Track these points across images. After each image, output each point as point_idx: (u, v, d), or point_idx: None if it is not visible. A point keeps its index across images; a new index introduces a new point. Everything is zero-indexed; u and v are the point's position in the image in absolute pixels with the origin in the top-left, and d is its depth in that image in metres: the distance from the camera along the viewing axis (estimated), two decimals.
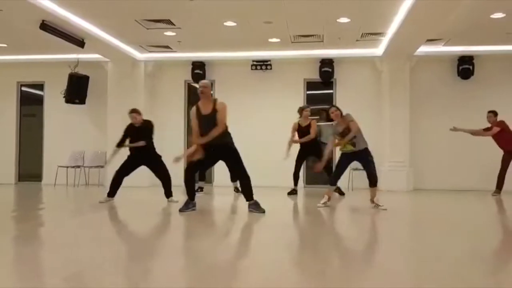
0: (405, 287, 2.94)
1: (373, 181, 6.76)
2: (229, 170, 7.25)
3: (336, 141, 7.00)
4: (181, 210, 6.30)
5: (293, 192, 9.02)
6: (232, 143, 6.30)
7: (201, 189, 9.11)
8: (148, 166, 7.62)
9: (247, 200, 6.30)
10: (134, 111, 7.49)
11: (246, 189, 6.30)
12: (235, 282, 3.09)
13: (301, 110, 8.97)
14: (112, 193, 7.48)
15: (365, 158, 6.85)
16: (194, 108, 6.31)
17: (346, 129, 6.77)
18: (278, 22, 8.45)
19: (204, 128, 6.13)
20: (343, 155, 6.98)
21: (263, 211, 6.13)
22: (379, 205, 6.66)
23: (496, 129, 8.89)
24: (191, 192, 6.43)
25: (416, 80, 10.71)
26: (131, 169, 7.52)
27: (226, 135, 6.23)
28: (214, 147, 6.16)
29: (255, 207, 6.21)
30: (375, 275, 3.23)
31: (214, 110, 6.10)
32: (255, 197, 6.28)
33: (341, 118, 6.87)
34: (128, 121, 7.51)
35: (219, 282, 3.04)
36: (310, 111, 9.06)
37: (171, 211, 6.67)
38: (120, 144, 7.51)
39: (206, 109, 6.15)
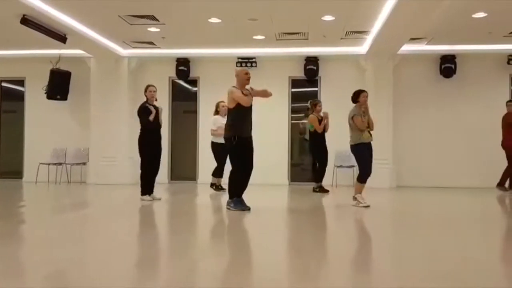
0: (390, 286, 2.96)
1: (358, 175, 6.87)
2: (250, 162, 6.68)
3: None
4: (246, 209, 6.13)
5: (324, 190, 8.93)
6: (231, 137, 6.15)
7: (221, 187, 8.91)
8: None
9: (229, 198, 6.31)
10: (153, 85, 7.33)
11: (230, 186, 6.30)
12: (221, 283, 3.07)
13: (314, 105, 8.94)
14: (151, 189, 7.35)
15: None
16: (242, 91, 6.21)
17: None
18: (263, 19, 8.44)
19: (248, 114, 6.22)
20: (364, 145, 6.80)
21: (244, 209, 6.13)
22: (360, 202, 6.71)
23: None
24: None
25: (400, 78, 10.80)
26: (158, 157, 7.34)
27: (227, 128, 6.24)
28: (250, 137, 6.32)
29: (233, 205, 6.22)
30: (360, 275, 3.24)
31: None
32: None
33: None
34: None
35: (202, 282, 3.03)
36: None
37: (154, 209, 6.63)
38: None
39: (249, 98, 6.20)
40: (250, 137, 6.24)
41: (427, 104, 10.84)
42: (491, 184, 9.24)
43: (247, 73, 6.26)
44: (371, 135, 6.83)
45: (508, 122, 9.03)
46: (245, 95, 6.12)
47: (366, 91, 7.00)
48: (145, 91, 7.34)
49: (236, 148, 6.11)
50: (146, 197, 7.22)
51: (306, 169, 11.44)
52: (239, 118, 6.09)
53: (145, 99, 7.32)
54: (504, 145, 9.10)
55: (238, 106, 6.06)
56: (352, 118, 6.77)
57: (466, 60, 10.65)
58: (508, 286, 3.00)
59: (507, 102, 9.32)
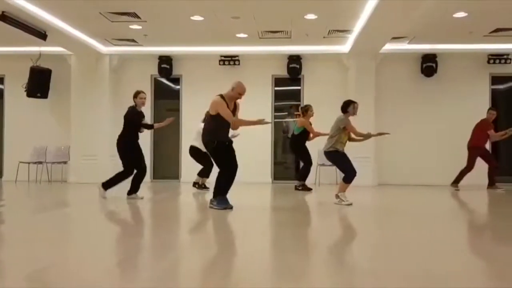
0: (371, 286, 2.98)
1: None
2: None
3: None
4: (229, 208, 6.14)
5: (307, 188, 8.96)
6: (211, 141, 6.21)
7: (204, 186, 8.91)
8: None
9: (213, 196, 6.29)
10: (143, 91, 7.31)
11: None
12: (208, 282, 3.06)
13: (306, 110, 8.93)
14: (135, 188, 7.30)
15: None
16: (225, 102, 6.17)
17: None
18: (245, 17, 8.42)
19: (226, 121, 6.19)
20: (343, 152, 6.89)
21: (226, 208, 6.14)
22: (342, 200, 6.74)
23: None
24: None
25: (382, 77, 10.89)
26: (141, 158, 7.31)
27: (206, 133, 6.27)
28: (230, 141, 6.40)
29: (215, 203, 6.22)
30: (344, 273, 3.26)
31: (234, 109, 6.31)
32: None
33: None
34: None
35: (190, 283, 3.01)
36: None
37: (137, 208, 6.58)
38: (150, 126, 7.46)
39: (231, 106, 6.21)
40: (229, 142, 6.30)
41: (408, 103, 10.95)
42: (472, 182, 9.36)
43: (241, 94, 6.20)
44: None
45: (481, 128, 9.18)
46: (229, 108, 6.14)
47: (357, 102, 6.99)
48: (135, 96, 7.22)
49: (219, 151, 6.16)
50: (104, 192, 7.19)
51: (289, 167, 11.49)
52: (218, 125, 6.14)
53: (133, 103, 7.23)
54: (469, 146, 9.26)
55: (220, 115, 6.08)
56: (344, 127, 6.77)
57: (447, 59, 10.79)
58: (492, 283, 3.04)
59: (488, 109, 9.44)
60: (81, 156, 10.84)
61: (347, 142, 6.92)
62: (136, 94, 7.23)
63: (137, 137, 7.28)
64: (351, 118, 6.90)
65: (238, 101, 6.35)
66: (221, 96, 6.13)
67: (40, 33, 8.72)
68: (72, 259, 3.58)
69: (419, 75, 10.92)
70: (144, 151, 7.43)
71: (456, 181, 9.23)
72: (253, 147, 10.49)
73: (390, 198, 8.57)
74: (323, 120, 10.05)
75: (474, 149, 9.18)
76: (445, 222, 5.65)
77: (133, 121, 7.15)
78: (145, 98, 7.26)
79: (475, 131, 9.25)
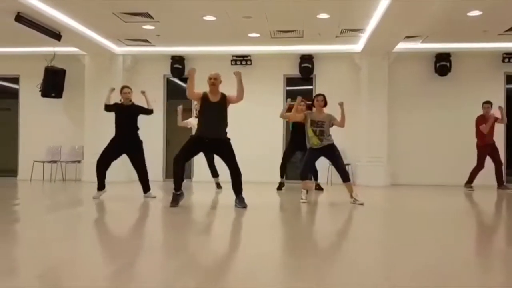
0: (383, 286, 2.97)
1: (344, 176, 6.80)
2: (227, 165, 6.76)
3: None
4: (172, 206, 6.17)
5: (280, 187, 8.92)
6: (229, 138, 6.30)
7: (218, 185, 8.95)
8: (128, 155, 7.36)
9: (237, 195, 6.31)
10: (127, 86, 7.40)
11: (237, 185, 6.31)
12: (216, 281, 3.08)
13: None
14: (101, 186, 7.31)
15: (332, 154, 6.88)
16: (202, 93, 6.36)
17: (321, 122, 6.82)
18: (258, 17, 8.43)
19: (209, 115, 6.22)
20: (310, 150, 6.96)
21: (245, 206, 6.18)
22: (357, 200, 6.70)
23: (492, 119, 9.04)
24: (179, 182, 6.25)
25: (394, 76, 10.82)
26: (112, 157, 7.28)
27: (224, 129, 6.31)
28: (210, 139, 6.20)
29: (239, 201, 6.24)
30: (352, 272, 3.25)
31: (223, 98, 6.31)
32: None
33: (323, 108, 6.96)
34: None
35: (198, 280, 3.03)
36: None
37: (150, 207, 6.62)
38: (109, 107, 7.40)
39: (214, 98, 6.28)
40: (208, 138, 6.23)
41: (422, 102, 10.87)
42: (486, 182, 9.26)
43: (210, 78, 6.42)
44: (320, 140, 6.92)
45: (477, 125, 9.14)
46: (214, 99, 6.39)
47: (322, 95, 7.13)
48: (120, 92, 7.39)
49: (188, 141, 6.41)
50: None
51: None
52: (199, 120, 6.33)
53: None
54: (476, 144, 9.21)
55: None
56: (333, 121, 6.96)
57: (461, 58, 10.68)
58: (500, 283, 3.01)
59: (483, 103, 9.24)
60: (94, 155, 10.84)
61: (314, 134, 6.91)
62: (120, 90, 7.37)
63: (118, 133, 7.25)
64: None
65: (230, 94, 6.44)
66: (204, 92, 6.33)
67: (54, 34, 8.83)
68: (85, 258, 3.61)
69: (433, 75, 10.83)
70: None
71: (469, 181, 9.14)
72: (264, 147, 10.50)
73: (402, 198, 8.51)
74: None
75: (479, 147, 9.13)
76: (454, 223, 5.60)
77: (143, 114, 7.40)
78: (129, 93, 7.31)
79: (476, 129, 9.19)
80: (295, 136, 8.49)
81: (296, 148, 8.58)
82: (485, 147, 9.08)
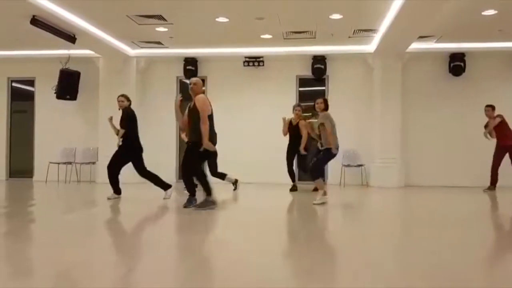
0: (397, 286, 2.95)
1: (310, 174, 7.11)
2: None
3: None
4: (212, 208, 6.29)
5: (293, 189, 9.04)
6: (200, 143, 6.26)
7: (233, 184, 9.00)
8: (131, 161, 7.46)
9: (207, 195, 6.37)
10: (122, 95, 7.54)
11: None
12: (223, 281, 3.09)
13: (293, 108, 9.03)
14: (116, 190, 7.44)
15: (318, 154, 7.09)
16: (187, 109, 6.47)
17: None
18: (270, 18, 8.44)
19: (191, 121, 6.32)
20: (326, 150, 7.01)
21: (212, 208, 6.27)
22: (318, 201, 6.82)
23: (497, 120, 9.05)
24: (207, 188, 6.37)
25: (408, 77, 10.74)
26: (120, 164, 7.41)
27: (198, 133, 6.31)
28: (192, 142, 6.34)
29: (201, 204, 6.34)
30: (365, 273, 3.24)
31: (194, 104, 6.27)
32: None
33: (322, 111, 7.09)
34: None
35: (207, 280, 3.04)
36: (301, 111, 9.07)
37: (161, 207, 6.66)
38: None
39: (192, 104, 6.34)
40: (193, 143, 6.31)
41: (436, 103, 10.77)
42: (500, 183, 9.15)
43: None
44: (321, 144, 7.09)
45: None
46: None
47: (321, 98, 7.31)
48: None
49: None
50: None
51: None
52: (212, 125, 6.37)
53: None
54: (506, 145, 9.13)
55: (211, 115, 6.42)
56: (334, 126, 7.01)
57: (476, 58, 10.56)
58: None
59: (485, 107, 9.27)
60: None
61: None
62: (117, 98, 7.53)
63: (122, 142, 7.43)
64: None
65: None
66: None
67: (69, 37, 8.92)
68: (100, 259, 3.65)
69: (447, 75, 10.73)
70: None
71: (492, 183, 9.05)
72: (277, 147, 10.47)
73: (416, 200, 8.44)
74: (347, 119, 10.00)
75: (496, 148, 9.10)
76: (469, 225, 5.55)
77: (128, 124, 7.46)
78: (122, 101, 7.45)
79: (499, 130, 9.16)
80: (291, 138, 9.07)
81: (296, 151, 8.96)
82: (500, 149, 9.01)
